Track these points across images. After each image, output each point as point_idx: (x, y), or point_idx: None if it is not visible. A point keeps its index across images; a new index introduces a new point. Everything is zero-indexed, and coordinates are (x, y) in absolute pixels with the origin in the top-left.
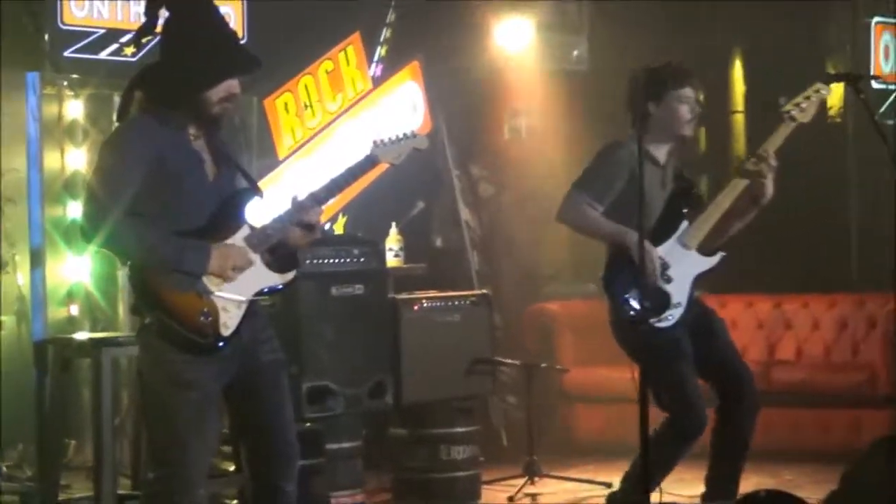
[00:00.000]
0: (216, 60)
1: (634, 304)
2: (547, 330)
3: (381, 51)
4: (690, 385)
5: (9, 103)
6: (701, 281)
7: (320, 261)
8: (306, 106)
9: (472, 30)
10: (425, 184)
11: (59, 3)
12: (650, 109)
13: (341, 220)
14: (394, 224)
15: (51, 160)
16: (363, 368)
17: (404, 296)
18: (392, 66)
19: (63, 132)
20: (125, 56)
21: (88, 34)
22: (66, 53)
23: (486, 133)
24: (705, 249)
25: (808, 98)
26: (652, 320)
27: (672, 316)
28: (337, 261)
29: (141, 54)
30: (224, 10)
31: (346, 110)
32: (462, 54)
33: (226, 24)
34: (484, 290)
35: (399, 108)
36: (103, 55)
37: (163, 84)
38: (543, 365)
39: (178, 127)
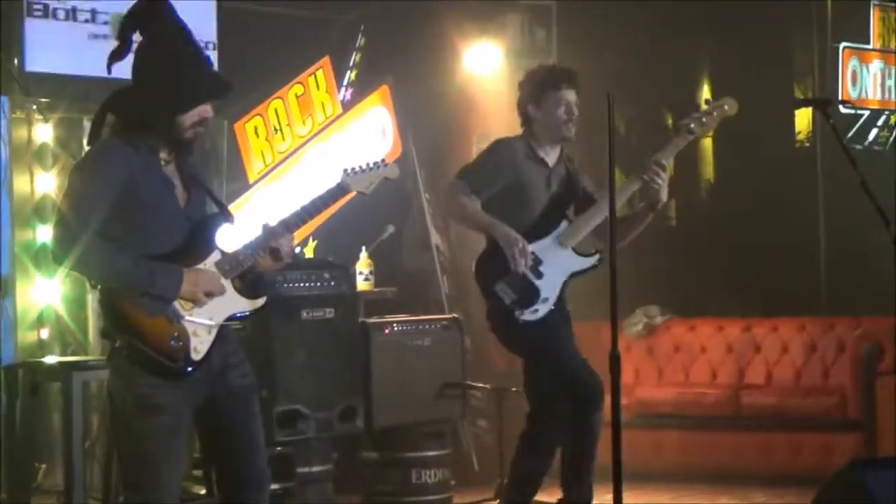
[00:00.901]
0: (190, 85)
1: (503, 295)
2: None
3: (350, 75)
4: (572, 357)
5: None
6: (572, 280)
7: (291, 284)
8: (276, 130)
9: (441, 54)
10: (395, 207)
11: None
12: (530, 112)
13: (312, 245)
14: (364, 248)
15: (20, 184)
16: (334, 392)
17: (375, 319)
18: (362, 90)
19: (32, 156)
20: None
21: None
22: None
23: (456, 156)
24: (586, 251)
25: (709, 113)
26: (517, 313)
27: (538, 311)
28: (308, 285)
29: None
30: (199, 36)
31: (316, 134)
32: (432, 78)
33: (199, 49)
34: (454, 314)
35: (369, 133)
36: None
37: (135, 108)
38: (514, 389)
39: (150, 151)
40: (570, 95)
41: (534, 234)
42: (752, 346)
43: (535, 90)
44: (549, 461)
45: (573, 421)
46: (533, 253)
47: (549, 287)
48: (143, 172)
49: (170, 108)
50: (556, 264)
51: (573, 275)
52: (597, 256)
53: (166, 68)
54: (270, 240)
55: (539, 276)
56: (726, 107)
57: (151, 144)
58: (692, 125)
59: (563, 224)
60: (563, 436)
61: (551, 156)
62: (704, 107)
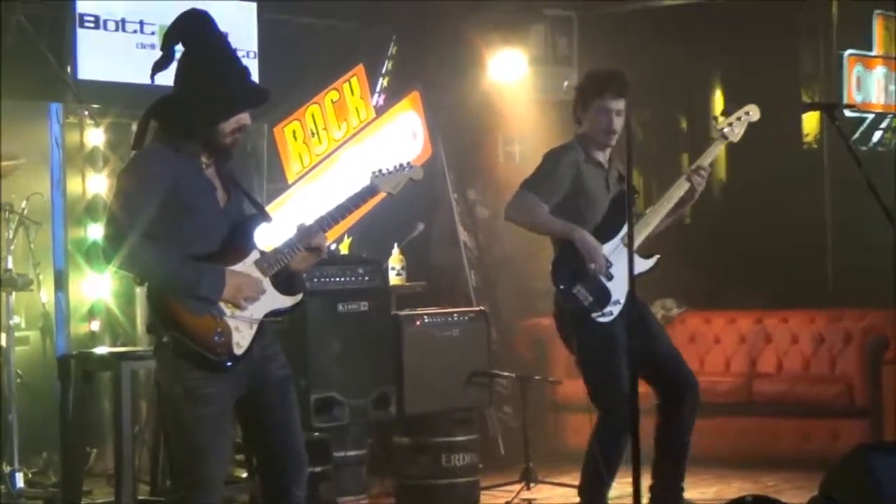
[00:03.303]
0: (229, 95)
1: (580, 297)
2: (540, 343)
3: (383, 82)
4: (622, 376)
5: (33, 131)
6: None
7: (327, 279)
8: (313, 133)
9: (468, 62)
10: (425, 206)
11: (75, 58)
12: (579, 116)
13: (347, 241)
14: (396, 244)
15: (73, 185)
16: (368, 381)
17: (406, 312)
18: (394, 95)
19: (84, 159)
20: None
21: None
22: (84, 77)
23: (482, 158)
24: (642, 252)
25: (738, 119)
26: (594, 315)
27: (612, 312)
28: (343, 279)
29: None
30: (239, 45)
31: (351, 137)
32: (459, 85)
33: (238, 59)
34: (481, 307)
35: (400, 136)
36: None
37: (178, 115)
38: (537, 377)
39: (192, 155)
40: (614, 104)
41: (601, 237)
42: (763, 338)
43: (582, 95)
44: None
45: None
46: (604, 256)
47: (619, 289)
48: (185, 176)
49: (210, 116)
50: (624, 266)
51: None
52: (656, 257)
53: (207, 79)
54: (306, 238)
55: (610, 278)
56: (751, 113)
57: (193, 150)
58: (725, 131)
59: (626, 226)
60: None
61: (604, 158)
62: (731, 116)
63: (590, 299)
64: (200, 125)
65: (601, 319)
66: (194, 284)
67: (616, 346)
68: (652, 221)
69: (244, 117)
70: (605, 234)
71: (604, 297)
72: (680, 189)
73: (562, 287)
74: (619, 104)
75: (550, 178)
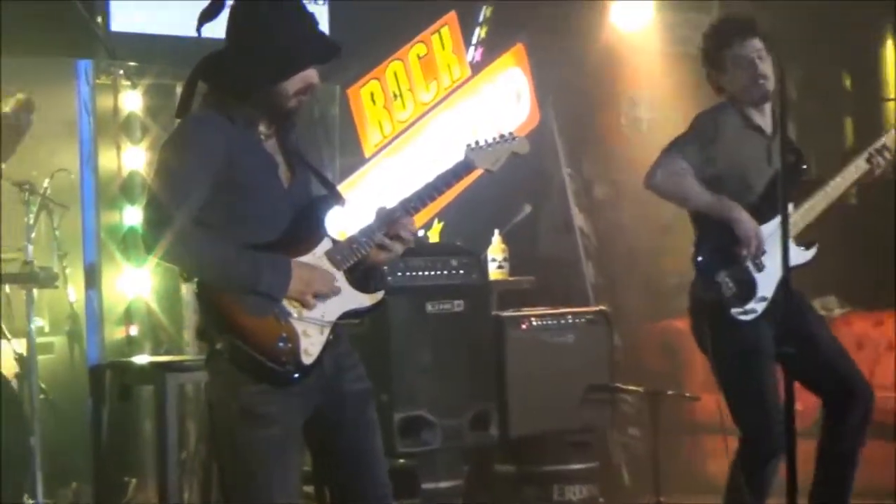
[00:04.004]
0: (292, 47)
1: (722, 286)
2: (673, 351)
3: (480, 32)
4: (766, 389)
5: (57, 95)
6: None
7: (414, 273)
8: (395, 96)
9: (583, 7)
10: (533, 184)
11: (107, 6)
12: (714, 78)
13: (437, 227)
14: (497, 231)
15: (105, 160)
16: (463, 396)
17: (510, 313)
18: (493, 49)
19: (119, 128)
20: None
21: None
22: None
23: (601, 126)
24: (802, 240)
25: None
26: (733, 310)
27: (755, 310)
28: (432, 273)
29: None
30: None
31: (442, 101)
32: (573, 35)
33: (302, 5)
34: (601, 306)
35: (501, 99)
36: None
37: (230, 74)
38: (670, 392)
39: (248, 124)
40: (750, 49)
41: (756, 219)
42: None
43: (710, 54)
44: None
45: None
46: None
47: (767, 283)
48: (241, 148)
49: (269, 74)
50: (777, 256)
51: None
52: (815, 248)
53: (264, 28)
54: (387, 224)
55: (760, 268)
56: None
57: (249, 116)
58: None
59: (789, 207)
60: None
61: (764, 121)
62: None
63: (732, 290)
64: (257, 85)
65: (741, 317)
66: (253, 279)
67: (760, 351)
68: (818, 206)
69: (311, 75)
70: (761, 215)
71: (748, 291)
72: (856, 171)
73: (702, 270)
74: (756, 44)
75: (705, 143)
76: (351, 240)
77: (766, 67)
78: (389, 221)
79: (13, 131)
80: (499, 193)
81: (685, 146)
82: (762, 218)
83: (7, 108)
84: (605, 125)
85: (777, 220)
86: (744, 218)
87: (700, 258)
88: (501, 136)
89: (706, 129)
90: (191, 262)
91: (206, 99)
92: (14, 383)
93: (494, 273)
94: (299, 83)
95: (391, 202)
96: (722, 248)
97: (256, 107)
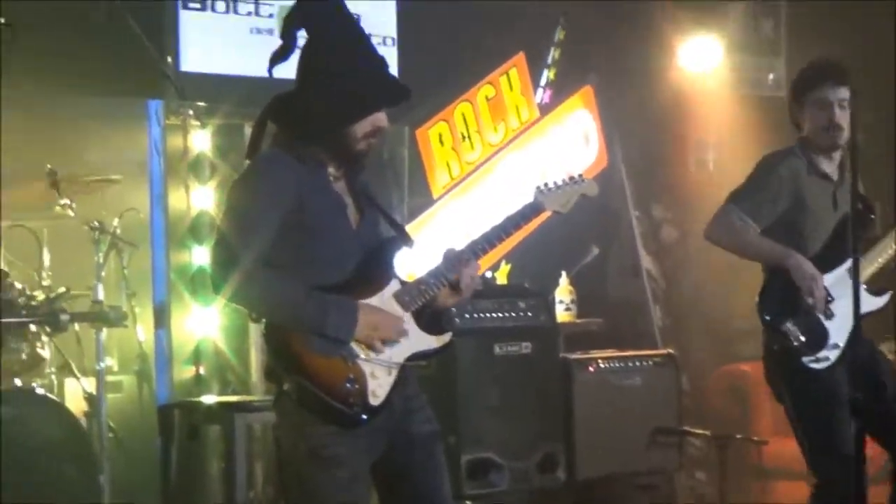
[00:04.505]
0: (362, 90)
1: (790, 335)
2: (741, 394)
3: (548, 74)
4: (843, 435)
5: (128, 135)
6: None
7: (481, 315)
8: (464, 137)
9: (653, 50)
10: (601, 226)
11: (177, 47)
12: (796, 116)
13: (504, 269)
14: (564, 273)
15: (175, 199)
16: (531, 438)
17: (577, 355)
18: (561, 91)
19: (188, 167)
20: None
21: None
22: (187, 69)
23: (669, 168)
24: (872, 287)
25: None
26: (805, 359)
27: (828, 358)
28: (500, 315)
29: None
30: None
31: (510, 142)
32: (642, 78)
33: (373, 48)
34: (668, 349)
35: (570, 141)
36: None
37: (300, 116)
38: (738, 436)
39: (317, 165)
40: (833, 94)
41: (822, 266)
42: None
43: (796, 91)
44: None
45: None
46: (825, 288)
47: (839, 330)
48: (311, 190)
49: (339, 117)
50: (847, 303)
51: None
52: (889, 294)
53: (335, 71)
54: (455, 267)
55: (829, 316)
56: None
57: (318, 157)
58: None
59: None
60: None
61: (831, 167)
62: None
63: (801, 339)
64: (327, 128)
65: (813, 365)
66: (319, 321)
67: (835, 397)
68: (887, 250)
69: (380, 118)
70: (827, 262)
71: (819, 339)
72: None
73: (769, 320)
74: (841, 93)
75: (764, 192)
76: (419, 281)
77: (844, 118)
78: (457, 263)
79: None
80: (567, 235)
81: (744, 196)
82: (828, 265)
83: None
84: (673, 167)
85: (843, 267)
86: (800, 264)
87: (764, 309)
88: (571, 178)
89: (766, 177)
90: (258, 304)
91: (276, 139)
92: (83, 422)
93: (562, 315)
94: (368, 126)
95: (459, 244)
96: (786, 298)
97: (326, 149)
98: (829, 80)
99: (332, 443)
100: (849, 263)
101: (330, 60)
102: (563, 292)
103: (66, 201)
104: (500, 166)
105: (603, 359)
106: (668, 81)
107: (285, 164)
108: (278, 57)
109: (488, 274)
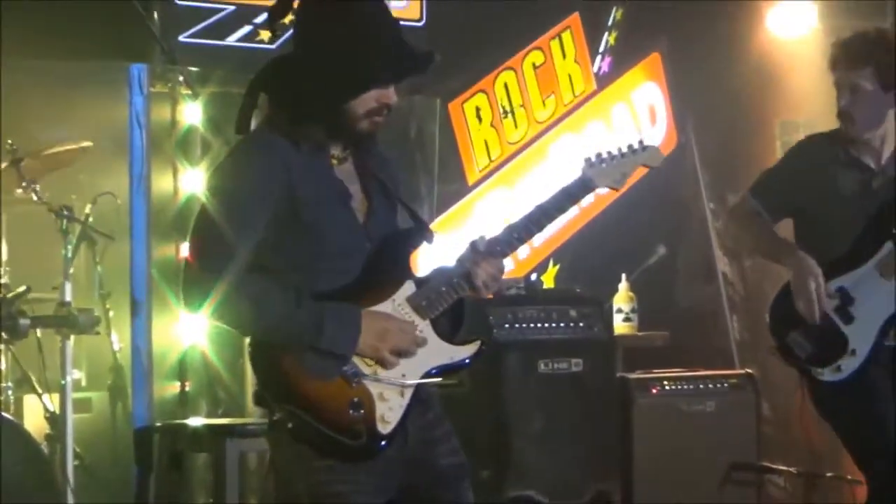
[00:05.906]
0: (365, 60)
1: (796, 348)
2: None
3: (609, 38)
4: (889, 436)
5: (104, 105)
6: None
7: (524, 326)
8: (506, 112)
9: (734, 12)
10: (668, 221)
11: None
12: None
13: (552, 270)
14: (624, 276)
15: (159, 182)
16: (581, 474)
17: (638, 375)
18: (624, 59)
19: (175, 144)
20: (260, 43)
21: (212, 12)
22: (181, 38)
23: (752, 152)
24: None
25: None
26: (815, 371)
27: (846, 367)
28: (546, 326)
29: (281, 41)
30: None
31: (561, 120)
32: (721, 44)
33: (385, 10)
34: (747, 369)
35: (633, 119)
36: (231, 41)
37: (294, 87)
38: (829, 474)
39: (316, 148)
40: (844, 78)
41: (847, 264)
42: None
43: (831, 70)
44: None
45: None
46: (842, 288)
47: (861, 335)
48: (306, 177)
49: (334, 92)
50: (874, 303)
51: (891, 319)
52: None
53: (331, 37)
54: (479, 261)
55: (848, 319)
56: None
57: (316, 139)
58: None
59: (888, 246)
60: None
61: (872, 156)
62: None
63: (807, 350)
64: (321, 103)
65: (826, 379)
66: (313, 333)
67: (875, 399)
68: None
69: (386, 94)
70: (852, 260)
71: (832, 348)
72: None
73: (772, 332)
74: (853, 77)
75: (780, 180)
76: (438, 282)
77: (858, 107)
78: (480, 256)
79: None
80: (627, 231)
81: (760, 186)
82: (854, 262)
83: None
84: (756, 151)
85: (871, 262)
86: (799, 263)
87: (770, 318)
88: (629, 147)
89: (784, 167)
90: (239, 318)
91: (268, 116)
92: (45, 446)
93: (620, 327)
94: (371, 102)
95: (493, 231)
96: (793, 305)
97: (323, 128)
98: (840, 60)
99: (333, 479)
100: (878, 257)
101: (327, 23)
102: (622, 299)
103: (27, 183)
104: (549, 149)
105: (669, 379)
106: (753, 50)
107: (275, 145)
108: (278, 13)
109: (534, 276)
